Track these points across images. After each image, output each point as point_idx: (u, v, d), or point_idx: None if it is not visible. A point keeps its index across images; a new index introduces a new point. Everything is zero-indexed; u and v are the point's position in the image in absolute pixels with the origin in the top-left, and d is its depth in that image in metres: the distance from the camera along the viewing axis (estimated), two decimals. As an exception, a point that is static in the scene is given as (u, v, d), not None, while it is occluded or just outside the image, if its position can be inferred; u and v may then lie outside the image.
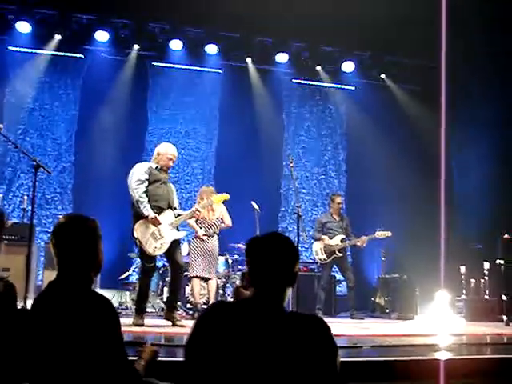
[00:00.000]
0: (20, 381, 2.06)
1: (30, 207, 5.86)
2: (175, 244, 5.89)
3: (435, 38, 6.83)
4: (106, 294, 2.58)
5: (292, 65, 10.94)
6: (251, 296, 2.01)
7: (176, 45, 10.29)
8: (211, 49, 10.43)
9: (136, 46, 10.32)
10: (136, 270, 8.57)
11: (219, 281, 7.89)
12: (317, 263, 8.85)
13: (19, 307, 4.80)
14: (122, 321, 2.30)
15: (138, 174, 5.80)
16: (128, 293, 8.59)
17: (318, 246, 8.46)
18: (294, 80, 11.37)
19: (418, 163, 10.24)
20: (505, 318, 7.62)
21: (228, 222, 7.43)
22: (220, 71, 10.86)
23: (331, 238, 8.38)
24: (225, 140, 10.65)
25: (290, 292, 2.07)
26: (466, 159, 10.49)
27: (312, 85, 11.44)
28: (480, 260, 8.48)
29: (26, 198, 8.21)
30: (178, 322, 5.78)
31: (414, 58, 10.83)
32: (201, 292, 7.44)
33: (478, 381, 3.72)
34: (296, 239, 6.44)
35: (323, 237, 8.40)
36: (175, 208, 6.06)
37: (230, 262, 8.39)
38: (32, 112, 10.07)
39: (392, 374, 3.60)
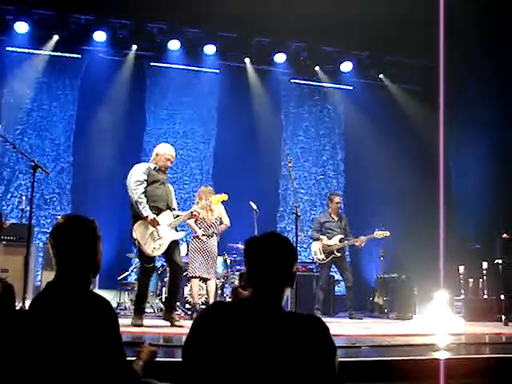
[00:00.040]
0: (18, 382, 2.06)
1: (28, 208, 5.86)
2: (174, 244, 5.88)
3: (434, 38, 6.84)
4: (105, 294, 2.58)
5: (290, 65, 10.95)
6: (249, 296, 2.01)
7: (174, 45, 10.30)
8: (209, 49, 10.44)
9: (134, 47, 10.32)
10: (134, 270, 8.58)
11: (218, 281, 7.89)
12: (315, 263, 8.85)
13: (18, 308, 4.80)
14: (121, 321, 2.30)
15: (137, 174, 5.80)
16: (127, 293, 8.59)
17: (316, 246, 8.45)
18: (292, 80, 11.38)
19: (417, 163, 10.25)
20: (503, 317, 7.62)
21: (226, 221, 7.43)
22: (218, 71, 10.86)
23: (330, 238, 8.38)
24: (223, 140, 10.65)
25: (288, 292, 2.07)
26: (464, 159, 10.50)
27: (310, 85, 11.45)
28: (478, 260, 8.49)
29: (24, 198, 8.21)
30: (176, 323, 5.78)
31: (413, 58, 10.85)
32: (199, 292, 7.44)
33: (476, 380, 3.72)
34: (294, 239, 6.44)
35: (322, 237, 8.40)
36: (174, 209, 6.06)
37: (229, 262, 8.40)
38: (30, 112, 10.07)
39: (391, 374, 3.60)
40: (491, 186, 9.51)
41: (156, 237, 5.74)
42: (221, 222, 7.40)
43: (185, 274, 6.94)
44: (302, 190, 11.11)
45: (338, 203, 8.62)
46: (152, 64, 10.66)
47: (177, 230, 6.05)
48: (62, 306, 2.06)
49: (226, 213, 7.43)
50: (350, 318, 8.13)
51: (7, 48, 9.83)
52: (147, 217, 5.67)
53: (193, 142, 10.81)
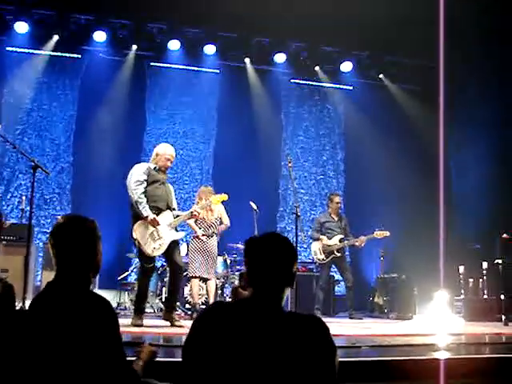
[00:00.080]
0: (18, 382, 2.06)
1: (28, 208, 5.86)
2: (174, 244, 5.88)
3: (434, 38, 6.84)
4: (105, 294, 2.58)
5: (290, 65, 10.95)
6: (249, 296, 2.01)
7: (174, 45, 10.30)
8: (209, 49, 10.44)
9: (134, 47, 10.32)
10: (134, 270, 8.57)
11: (218, 281, 7.88)
12: (315, 263, 8.85)
13: (18, 308, 4.80)
14: (121, 321, 2.30)
15: (137, 174, 5.80)
16: (127, 293, 8.59)
17: (316, 246, 8.45)
18: (292, 80, 11.38)
19: (417, 163, 10.25)
20: (503, 317, 7.62)
21: (226, 221, 7.43)
22: (218, 71, 10.86)
23: (330, 238, 8.38)
24: (223, 140, 10.65)
25: (288, 292, 2.07)
26: (464, 159, 10.50)
27: (310, 85, 11.46)
28: (478, 260, 8.49)
29: (24, 198, 8.21)
30: (176, 323, 5.78)
31: (413, 58, 10.85)
32: (199, 292, 7.44)
33: (476, 380, 3.72)
34: (294, 239, 6.44)
35: (322, 237, 8.40)
36: (174, 209, 6.06)
37: (229, 262, 8.39)
38: (30, 112, 10.07)
39: (391, 374, 3.60)
40: (491, 186, 9.51)
41: (156, 237, 5.74)
42: (221, 222, 7.40)
43: (185, 274, 6.95)
44: (302, 190, 11.11)
45: (338, 203, 8.61)
46: (152, 64, 10.66)
47: (177, 230, 6.05)
48: (61, 306, 2.06)
49: (226, 213, 7.43)
50: (350, 318, 8.13)
51: (7, 48, 9.83)
52: (147, 217, 5.67)
53: (193, 142, 10.81)
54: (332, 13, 8.37)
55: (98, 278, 7.99)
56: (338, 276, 9.03)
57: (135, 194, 5.69)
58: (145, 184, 5.78)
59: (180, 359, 2.00)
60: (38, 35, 9.78)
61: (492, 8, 8.60)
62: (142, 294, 5.84)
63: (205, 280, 7.22)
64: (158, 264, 7.96)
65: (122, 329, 2.20)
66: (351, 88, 11.48)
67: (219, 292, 8.01)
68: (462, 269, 8.44)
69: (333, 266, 8.49)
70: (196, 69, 10.80)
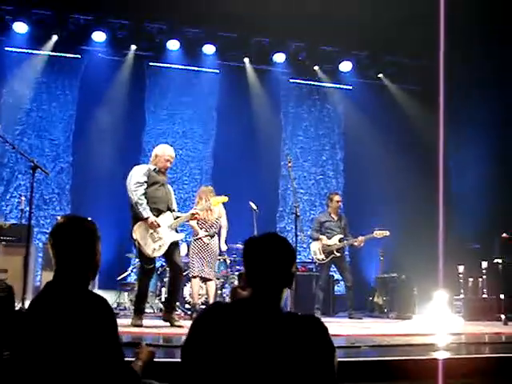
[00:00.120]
0: (18, 382, 2.06)
1: (27, 208, 5.86)
2: (174, 245, 5.88)
3: (434, 38, 6.84)
4: (105, 294, 2.58)
5: (289, 65, 10.95)
6: (248, 296, 2.01)
7: (173, 45, 10.30)
8: (208, 49, 10.44)
9: (133, 47, 10.32)
10: (134, 270, 8.57)
11: (217, 281, 7.87)
12: (315, 263, 8.85)
13: (17, 308, 4.80)
14: (121, 321, 2.30)
15: (137, 176, 5.79)
16: (126, 293, 8.58)
17: (316, 246, 8.45)
18: (291, 80, 11.37)
19: (416, 163, 10.25)
20: (503, 316, 7.62)
21: (224, 223, 7.38)
22: (217, 71, 10.86)
23: (329, 238, 8.38)
24: (222, 140, 10.65)
25: (288, 292, 2.07)
26: (463, 159, 10.50)
27: (310, 84, 11.45)
28: (478, 259, 8.49)
29: (23, 198, 8.20)
30: (176, 323, 5.77)
31: (413, 58, 10.85)
32: (199, 292, 7.43)
33: (476, 380, 3.71)
34: (294, 239, 6.44)
35: (321, 237, 8.39)
36: (174, 210, 6.06)
37: (229, 262, 8.39)
38: (29, 113, 10.06)
39: (390, 374, 3.59)
40: (491, 186, 9.51)
41: (156, 238, 5.74)
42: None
43: (185, 274, 6.94)
44: (302, 190, 11.11)
45: (338, 202, 8.60)
46: (151, 64, 10.66)
47: (177, 231, 6.05)
48: (60, 307, 2.06)
49: (225, 215, 7.37)
50: (350, 317, 8.13)
51: (6, 48, 9.82)
52: (147, 218, 5.67)
53: (192, 142, 10.81)
54: (331, 13, 8.37)
55: (97, 277, 7.97)
56: (337, 276, 9.03)
57: (135, 196, 5.68)
58: (145, 186, 5.77)
59: (179, 359, 2.00)
60: (38, 35, 9.78)
61: (492, 8, 8.60)
62: (142, 294, 5.83)
63: (205, 280, 7.21)
64: (158, 264, 7.94)
65: (121, 329, 2.20)
66: (351, 88, 11.48)
67: (219, 292, 8.00)
68: (461, 268, 8.44)
69: (332, 265, 8.49)
70: (195, 69, 10.80)
